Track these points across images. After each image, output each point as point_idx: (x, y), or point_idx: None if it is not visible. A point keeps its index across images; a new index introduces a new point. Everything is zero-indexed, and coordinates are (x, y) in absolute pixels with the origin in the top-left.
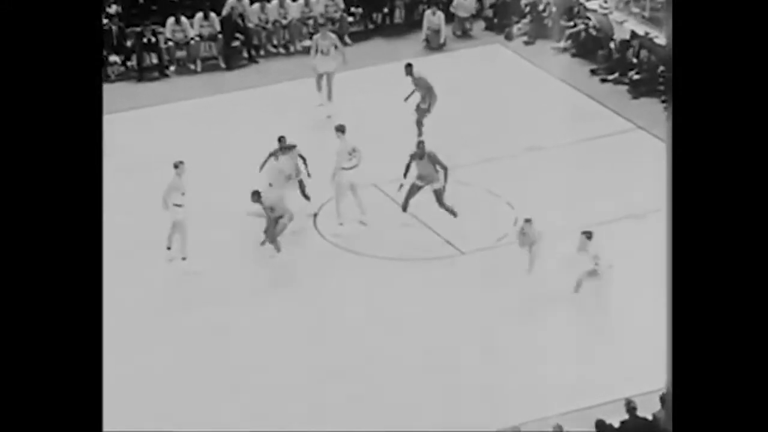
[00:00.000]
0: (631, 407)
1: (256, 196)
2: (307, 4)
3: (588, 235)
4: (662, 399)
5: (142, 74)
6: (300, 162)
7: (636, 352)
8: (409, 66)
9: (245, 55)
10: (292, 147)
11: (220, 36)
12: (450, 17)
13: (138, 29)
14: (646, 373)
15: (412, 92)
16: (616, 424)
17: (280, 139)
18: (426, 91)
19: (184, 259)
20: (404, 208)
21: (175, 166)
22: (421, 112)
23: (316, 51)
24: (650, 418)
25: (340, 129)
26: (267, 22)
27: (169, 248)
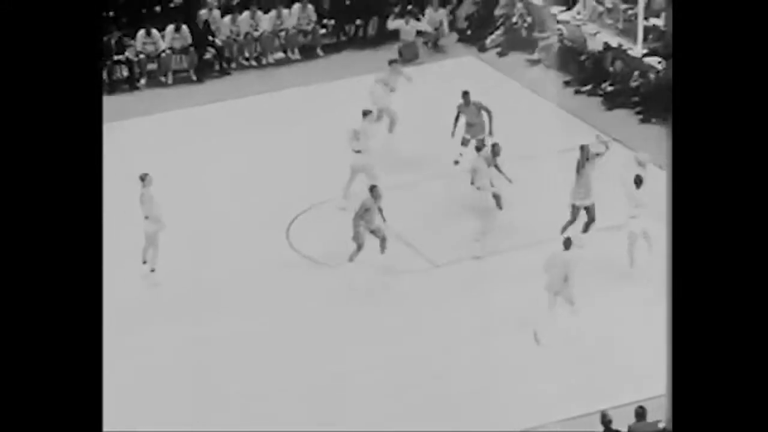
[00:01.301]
0: (606, 420)
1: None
2: (279, 16)
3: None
4: (637, 412)
5: (112, 87)
6: None
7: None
8: (466, 94)
9: (217, 67)
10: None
11: (191, 48)
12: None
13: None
14: (639, 381)
15: (457, 121)
16: None
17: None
18: (480, 122)
19: (152, 270)
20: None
21: (141, 179)
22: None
23: (386, 86)
24: (625, 431)
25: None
26: (238, 35)
27: (144, 262)
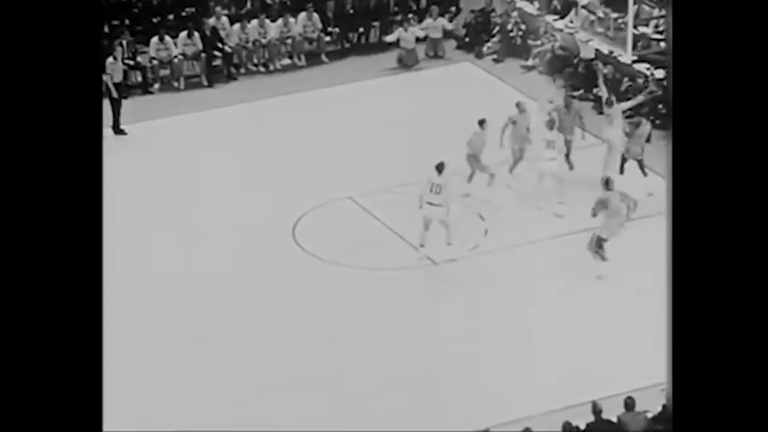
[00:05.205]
0: (597, 410)
1: None
2: (285, 24)
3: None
4: (626, 403)
5: (126, 91)
6: None
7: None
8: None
9: (225, 73)
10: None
11: (203, 54)
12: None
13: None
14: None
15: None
16: (583, 427)
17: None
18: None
19: None
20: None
21: None
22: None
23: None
24: (615, 420)
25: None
26: (247, 42)
27: None
